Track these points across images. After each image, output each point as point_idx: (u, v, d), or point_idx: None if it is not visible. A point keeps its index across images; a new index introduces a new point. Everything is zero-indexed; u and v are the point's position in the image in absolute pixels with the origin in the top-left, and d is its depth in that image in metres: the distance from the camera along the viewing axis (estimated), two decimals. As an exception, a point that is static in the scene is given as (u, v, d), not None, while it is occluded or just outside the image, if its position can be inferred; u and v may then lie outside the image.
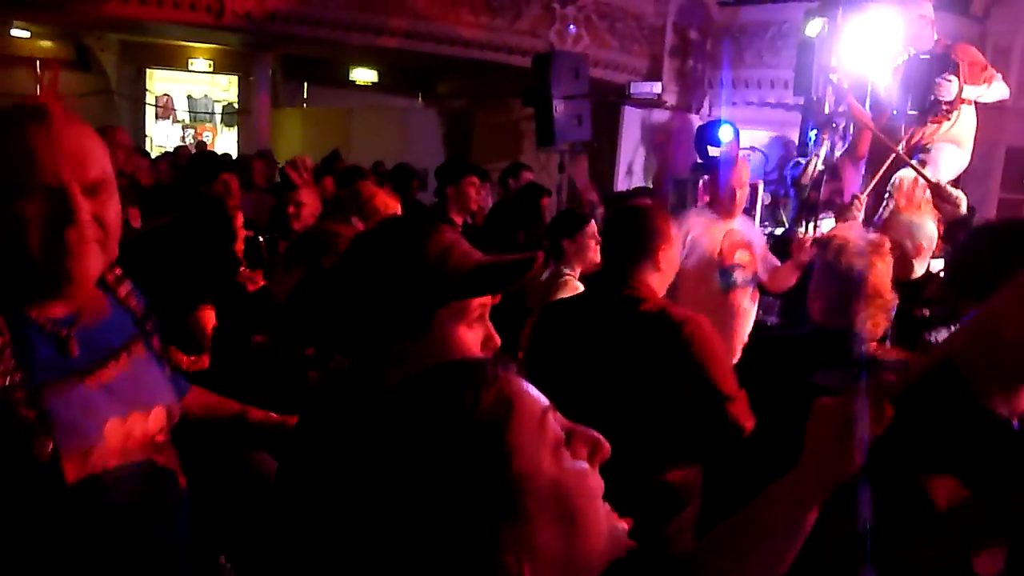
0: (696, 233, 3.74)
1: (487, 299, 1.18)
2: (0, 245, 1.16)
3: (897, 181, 4.09)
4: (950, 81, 4.47)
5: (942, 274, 3.49)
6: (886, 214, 3.29)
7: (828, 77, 5.75)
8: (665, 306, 2.28)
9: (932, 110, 4.55)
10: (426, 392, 0.74)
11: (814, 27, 5.96)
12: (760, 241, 4.00)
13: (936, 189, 3.14)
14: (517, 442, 0.71)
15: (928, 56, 4.61)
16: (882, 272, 2.19)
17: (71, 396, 1.17)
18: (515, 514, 0.69)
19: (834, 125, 5.09)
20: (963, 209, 3.07)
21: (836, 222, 3.24)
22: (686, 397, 2.21)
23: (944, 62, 4.52)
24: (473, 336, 1.15)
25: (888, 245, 2.26)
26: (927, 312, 2.83)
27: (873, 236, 2.27)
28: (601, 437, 0.80)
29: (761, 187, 6.90)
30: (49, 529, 1.13)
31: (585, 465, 0.76)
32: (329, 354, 1.19)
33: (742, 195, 3.80)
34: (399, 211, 3.34)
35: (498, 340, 1.19)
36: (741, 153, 8.82)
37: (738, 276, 3.73)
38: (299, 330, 1.21)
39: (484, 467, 0.69)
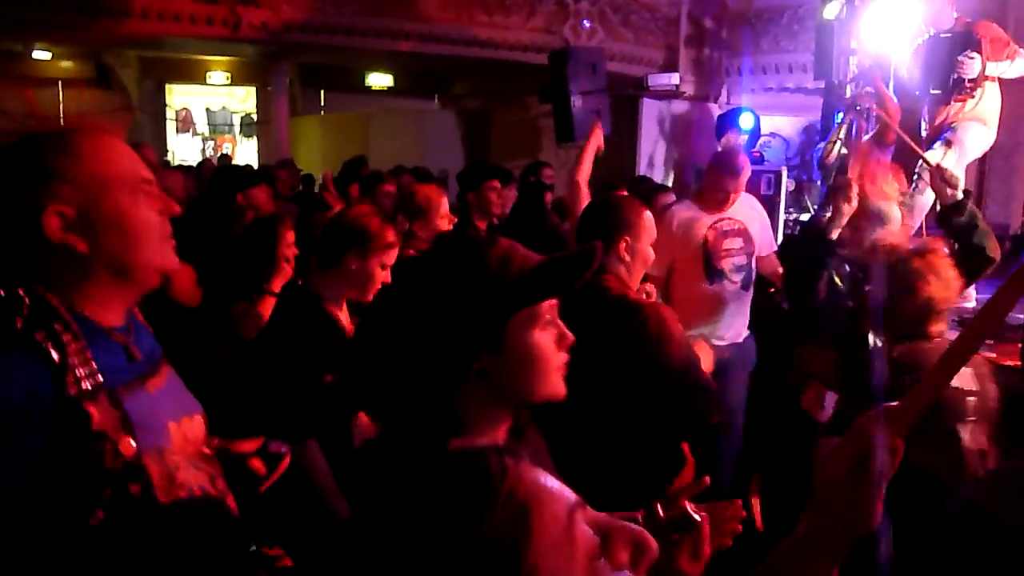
0: (679, 226, 3.76)
1: (555, 300, 1.16)
2: (117, 237, 1.23)
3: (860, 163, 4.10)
4: (972, 59, 4.41)
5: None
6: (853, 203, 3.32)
7: (849, 59, 5.70)
8: (626, 294, 2.34)
9: (956, 89, 4.50)
10: (422, 502, 0.59)
11: (832, 9, 5.90)
12: (761, 223, 3.97)
13: (938, 171, 3.17)
14: (540, 562, 0.57)
15: (949, 35, 4.55)
16: (941, 280, 2.17)
17: (139, 398, 1.22)
18: None
19: (858, 108, 5.04)
20: (960, 193, 3.10)
21: (830, 205, 3.24)
22: (649, 386, 2.25)
23: (966, 40, 4.46)
24: (547, 338, 1.14)
25: (944, 249, 2.25)
26: None
27: (926, 241, 2.26)
28: (647, 535, 0.66)
29: (784, 173, 6.85)
30: (140, 524, 1.17)
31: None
32: (397, 385, 1.11)
33: (735, 196, 3.79)
34: (444, 204, 3.38)
35: (571, 337, 1.17)
36: (761, 141, 8.81)
37: (725, 266, 3.74)
38: (373, 362, 1.14)
39: None
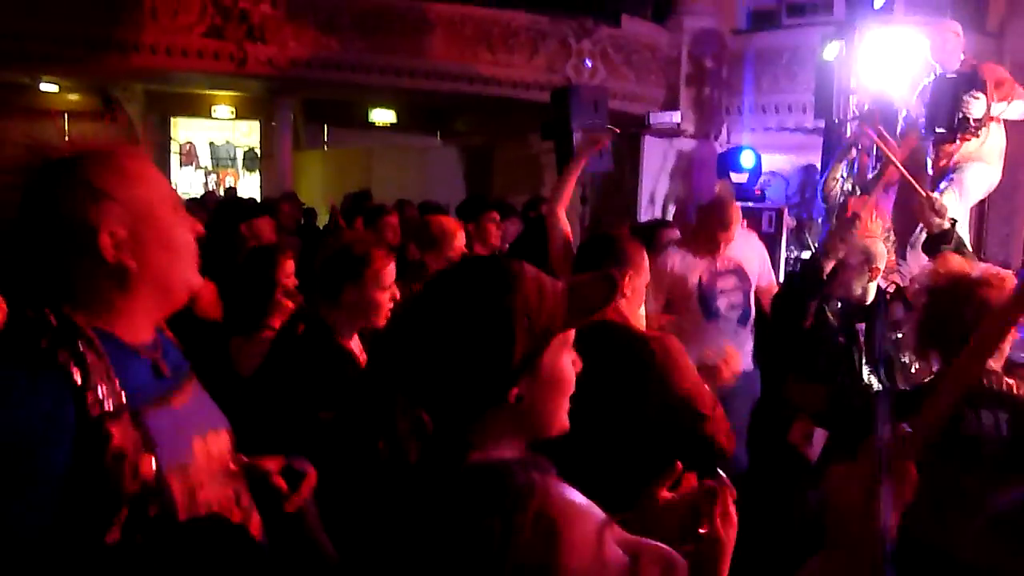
0: (674, 268, 3.85)
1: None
2: (162, 255, 1.24)
3: (848, 207, 4.17)
4: (977, 99, 4.45)
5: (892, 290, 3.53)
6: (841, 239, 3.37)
7: (848, 99, 5.74)
8: (630, 328, 2.33)
9: (961, 128, 4.53)
10: (449, 528, 0.57)
11: (832, 50, 5.96)
12: (759, 257, 4.05)
13: (928, 201, 3.27)
14: None
15: (954, 75, 4.59)
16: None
17: (164, 415, 1.21)
18: None
19: (859, 147, 5.07)
20: (947, 223, 3.19)
21: (834, 237, 3.28)
22: (657, 417, 2.22)
23: (971, 80, 4.50)
24: (569, 362, 1.13)
25: (1001, 276, 2.13)
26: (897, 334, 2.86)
27: (986, 272, 2.15)
28: (675, 554, 0.65)
29: (786, 211, 6.89)
30: (157, 543, 1.15)
31: None
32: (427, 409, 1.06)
33: (725, 245, 3.87)
34: (460, 237, 3.36)
35: (580, 363, 1.15)
36: (761, 180, 8.85)
37: (721, 305, 3.84)
38: (396, 393, 1.07)
39: None
